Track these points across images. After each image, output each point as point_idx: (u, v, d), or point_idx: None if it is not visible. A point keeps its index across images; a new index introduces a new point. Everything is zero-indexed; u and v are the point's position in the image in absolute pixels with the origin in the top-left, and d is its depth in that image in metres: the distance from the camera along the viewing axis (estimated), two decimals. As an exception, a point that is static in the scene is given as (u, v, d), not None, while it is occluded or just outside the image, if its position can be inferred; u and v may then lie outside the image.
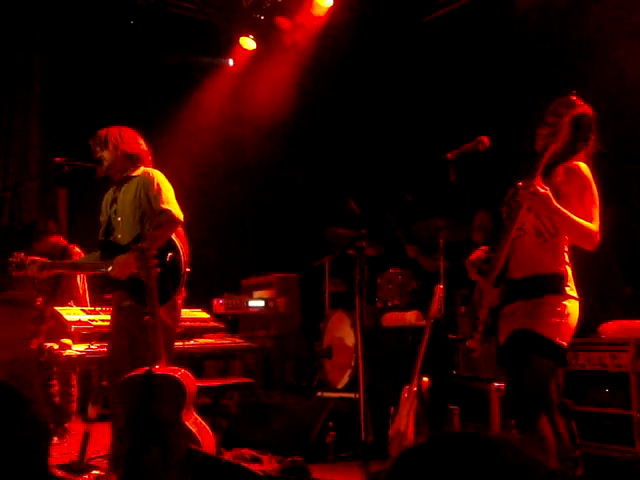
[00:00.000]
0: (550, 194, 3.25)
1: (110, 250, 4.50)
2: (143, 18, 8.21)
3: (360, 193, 6.55)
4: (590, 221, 3.32)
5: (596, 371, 4.89)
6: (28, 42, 8.17)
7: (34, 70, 8.27)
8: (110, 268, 4.39)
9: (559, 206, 3.27)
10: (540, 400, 3.33)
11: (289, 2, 8.16)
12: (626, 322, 4.76)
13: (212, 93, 8.87)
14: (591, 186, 3.38)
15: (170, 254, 4.23)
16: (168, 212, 4.31)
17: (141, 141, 4.66)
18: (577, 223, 3.29)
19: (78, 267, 5.14)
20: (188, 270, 4.41)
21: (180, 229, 4.48)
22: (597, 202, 3.37)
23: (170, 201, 4.37)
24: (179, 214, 4.35)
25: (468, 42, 6.97)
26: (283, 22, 8.26)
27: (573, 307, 3.38)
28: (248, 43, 8.59)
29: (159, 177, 4.49)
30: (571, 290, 3.40)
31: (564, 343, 3.34)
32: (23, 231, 6.99)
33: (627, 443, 4.50)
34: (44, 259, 4.72)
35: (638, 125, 5.51)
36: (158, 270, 3.98)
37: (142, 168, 4.57)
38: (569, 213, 3.28)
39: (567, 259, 3.46)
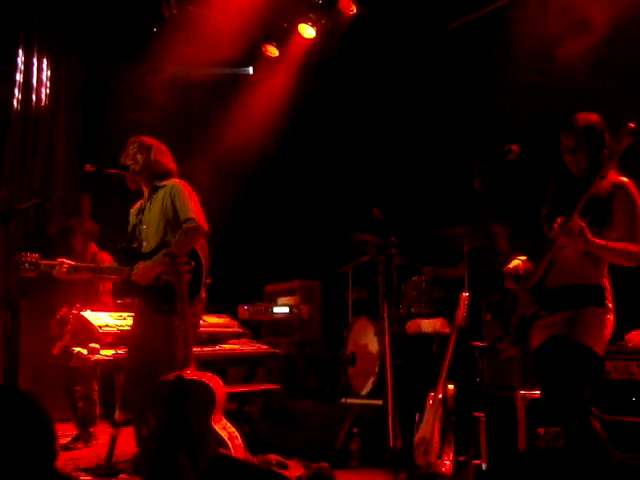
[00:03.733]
0: (585, 229, 3.25)
1: (129, 257, 4.59)
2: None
3: (386, 200, 6.56)
4: (633, 240, 3.36)
5: (622, 380, 4.87)
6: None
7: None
8: (133, 272, 4.47)
9: (594, 240, 3.29)
10: (575, 404, 3.33)
11: (313, 9, 8.18)
12: (653, 330, 4.74)
13: (233, 100, 8.92)
14: (638, 204, 3.42)
15: (192, 263, 4.29)
16: (194, 221, 4.43)
17: (171, 158, 4.81)
18: (616, 250, 3.35)
19: (102, 271, 5.17)
20: (208, 281, 4.50)
21: (203, 240, 4.57)
22: None
23: (196, 211, 4.50)
24: (204, 224, 4.48)
25: (494, 47, 6.95)
26: (306, 30, 8.29)
27: (611, 320, 3.45)
28: (272, 50, 8.62)
29: (187, 188, 4.64)
30: (610, 302, 3.46)
31: (601, 353, 3.38)
32: (58, 235, 7.05)
33: None
34: (73, 261, 4.79)
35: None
36: (189, 277, 4.03)
37: (170, 179, 4.70)
38: (606, 244, 3.31)
39: (606, 272, 3.51)
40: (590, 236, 3.28)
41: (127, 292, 4.79)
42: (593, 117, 3.51)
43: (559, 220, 3.28)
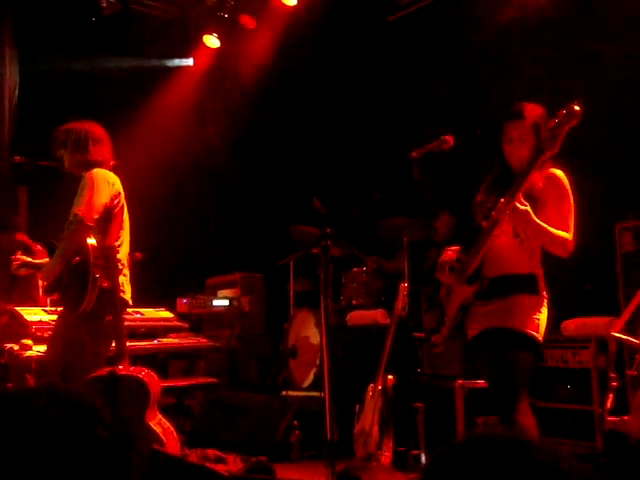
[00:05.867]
0: (530, 210, 3.29)
1: (52, 252, 4.43)
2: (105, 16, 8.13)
3: (325, 191, 6.55)
4: (566, 230, 3.40)
5: (558, 368, 4.95)
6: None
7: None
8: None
9: (539, 221, 3.32)
10: (520, 393, 3.37)
11: (254, 1, 8.13)
12: (587, 319, 4.82)
13: (175, 93, 8.82)
14: (569, 196, 3.46)
15: (77, 258, 4.12)
16: (75, 215, 4.13)
17: (107, 143, 4.49)
18: (554, 235, 3.37)
19: (37, 267, 5.02)
20: (105, 285, 4.14)
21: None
22: (573, 211, 3.45)
23: (84, 204, 4.16)
24: (87, 217, 4.13)
25: (433, 41, 7.00)
26: (247, 21, 8.23)
27: (546, 308, 3.50)
28: (212, 41, 8.52)
29: (95, 179, 4.26)
30: (544, 291, 3.51)
31: (540, 339, 3.44)
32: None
33: (588, 438, 4.57)
34: (25, 258, 4.63)
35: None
36: (120, 270, 3.96)
37: (92, 169, 4.33)
38: (547, 227, 3.34)
39: (540, 262, 3.55)
40: (534, 218, 3.31)
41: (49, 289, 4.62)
42: (540, 110, 3.50)
43: (502, 200, 3.28)
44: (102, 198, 4.22)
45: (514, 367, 3.40)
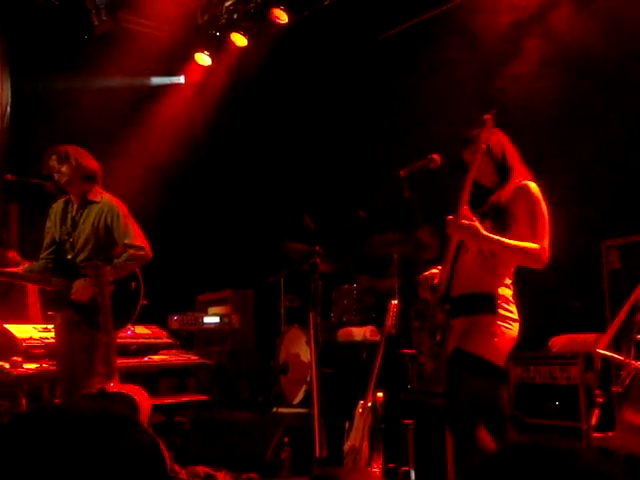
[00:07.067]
0: (477, 225, 3.29)
1: (65, 270, 4.53)
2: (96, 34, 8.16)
3: (316, 209, 6.59)
4: (536, 240, 3.32)
5: (546, 384, 4.99)
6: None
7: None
8: (72, 290, 4.44)
9: (488, 234, 3.31)
10: (473, 417, 3.33)
11: (245, 19, 8.19)
12: (575, 336, 4.86)
13: (166, 110, 8.86)
14: (539, 206, 3.39)
15: (133, 283, 4.36)
16: (143, 249, 4.54)
17: (94, 161, 4.76)
18: (515, 247, 3.32)
19: (20, 277, 5.01)
20: (144, 302, 4.61)
21: None
22: (545, 221, 3.37)
23: (142, 237, 4.60)
24: (150, 252, 4.59)
25: (422, 59, 7.06)
26: (238, 39, 8.29)
27: (507, 327, 3.39)
28: (203, 59, 8.58)
29: (123, 209, 4.66)
30: (505, 311, 3.41)
31: (496, 361, 3.37)
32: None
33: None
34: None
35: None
36: (111, 288, 4.00)
37: (103, 195, 4.67)
38: (504, 239, 3.31)
39: (508, 280, 3.48)
40: (482, 231, 3.29)
41: (57, 304, 4.67)
42: (485, 132, 3.48)
43: (449, 217, 3.34)
44: (138, 230, 4.68)
45: (466, 394, 3.34)
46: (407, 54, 7.25)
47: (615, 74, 5.60)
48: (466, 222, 3.30)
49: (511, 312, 3.43)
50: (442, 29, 6.82)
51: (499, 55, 6.35)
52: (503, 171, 3.47)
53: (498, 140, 3.52)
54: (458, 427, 3.42)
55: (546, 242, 3.34)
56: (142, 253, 4.52)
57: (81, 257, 4.55)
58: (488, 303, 3.38)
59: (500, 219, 3.36)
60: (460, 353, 3.37)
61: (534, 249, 3.31)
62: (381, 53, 7.55)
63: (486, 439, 3.31)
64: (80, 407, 1.30)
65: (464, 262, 3.47)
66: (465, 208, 3.34)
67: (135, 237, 4.54)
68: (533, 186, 3.44)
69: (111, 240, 4.55)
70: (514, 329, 3.41)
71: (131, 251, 4.48)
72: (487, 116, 3.41)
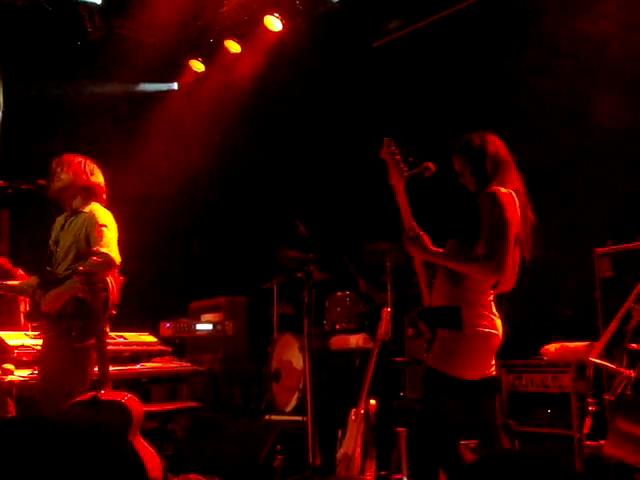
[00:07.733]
0: (422, 237, 3.31)
1: (46, 281, 4.50)
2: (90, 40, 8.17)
3: (310, 216, 6.59)
4: (488, 252, 3.22)
5: (539, 392, 5.00)
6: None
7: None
8: (43, 299, 4.43)
9: (432, 248, 3.31)
10: (432, 437, 3.33)
11: (239, 26, 8.21)
12: (567, 344, 4.87)
13: (159, 117, 8.86)
14: (497, 212, 3.25)
15: (103, 293, 4.27)
16: (105, 255, 4.37)
17: (100, 176, 4.73)
18: (457, 262, 3.27)
19: (19, 291, 5.05)
20: (114, 312, 4.48)
21: (115, 270, 4.55)
22: (503, 229, 3.24)
23: (110, 245, 4.44)
24: (117, 258, 4.43)
25: (418, 67, 7.08)
26: (232, 45, 8.30)
27: (472, 342, 3.28)
28: (197, 65, 8.60)
29: (105, 219, 4.55)
30: (471, 325, 3.27)
31: (464, 376, 3.29)
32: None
33: (568, 463, 4.60)
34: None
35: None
36: (103, 295, 3.99)
37: (92, 205, 4.61)
38: (443, 252, 3.29)
39: (475, 294, 3.33)
40: (427, 245, 3.29)
41: (35, 316, 4.68)
42: (470, 138, 3.51)
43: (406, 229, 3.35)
44: (113, 237, 4.54)
45: (431, 414, 3.32)
46: (400, 62, 7.27)
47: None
48: (411, 234, 3.31)
49: (479, 325, 3.28)
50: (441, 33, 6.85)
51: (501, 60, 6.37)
52: (481, 178, 3.41)
53: (482, 145, 3.46)
54: (430, 452, 3.38)
55: (501, 253, 3.20)
56: (102, 260, 4.33)
57: (63, 267, 4.52)
58: (451, 317, 3.27)
59: (468, 234, 3.29)
60: (426, 370, 3.35)
61: (481, 264, 3.22)
62: (375, 60, 7.57)
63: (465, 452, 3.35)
64: (60, 418, 1.31)
65: (439, 277, 3.41)
66: (412, 223, 3.34)
67: (103, 244, 4.41)
68: (500, 191, 3.30)
69: (90, 249, 4.51)
70: (482, 342, 3.29)
71: (93, 257, 4.36)
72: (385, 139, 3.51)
